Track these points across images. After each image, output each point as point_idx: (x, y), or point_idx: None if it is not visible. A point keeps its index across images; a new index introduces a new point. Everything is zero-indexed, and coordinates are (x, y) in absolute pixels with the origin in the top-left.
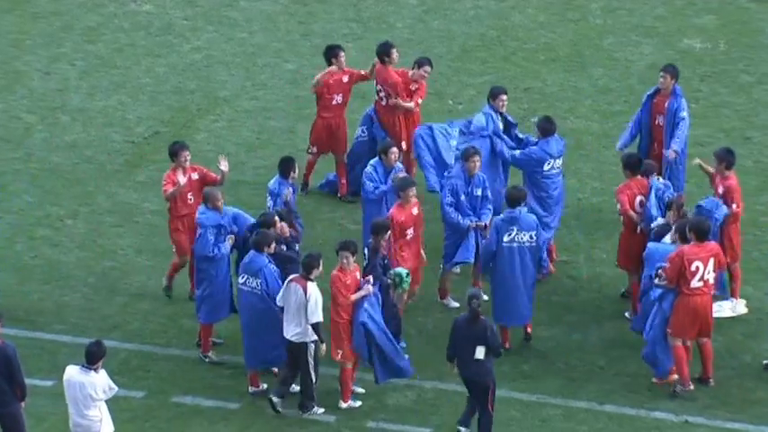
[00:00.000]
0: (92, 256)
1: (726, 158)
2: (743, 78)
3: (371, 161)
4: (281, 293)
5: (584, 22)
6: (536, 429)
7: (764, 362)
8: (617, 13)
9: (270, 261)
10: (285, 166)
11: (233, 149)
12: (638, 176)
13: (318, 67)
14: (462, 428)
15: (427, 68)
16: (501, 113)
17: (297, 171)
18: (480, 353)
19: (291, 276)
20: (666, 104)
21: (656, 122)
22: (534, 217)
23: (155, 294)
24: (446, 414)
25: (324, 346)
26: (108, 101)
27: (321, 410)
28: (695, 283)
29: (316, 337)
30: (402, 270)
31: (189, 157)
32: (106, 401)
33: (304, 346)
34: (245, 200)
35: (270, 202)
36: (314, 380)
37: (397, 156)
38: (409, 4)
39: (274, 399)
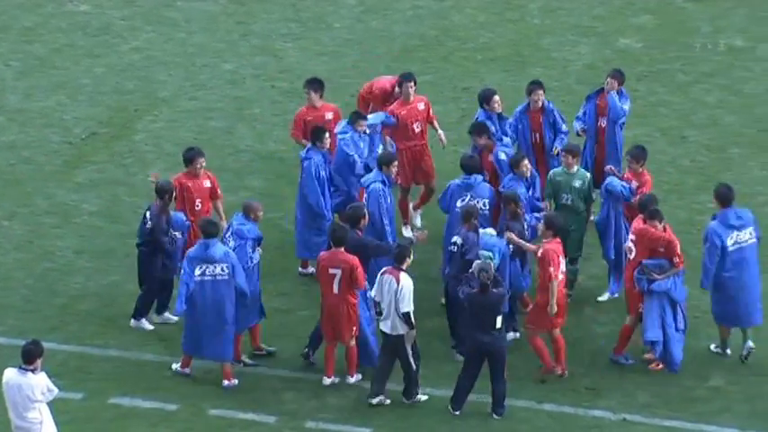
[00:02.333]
0: (30, 257)
1: (643, 156)
2: (680, 78)
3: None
4: (375, 287)
5: (523, 22)
6: (476, 429)
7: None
8: (556, 13)
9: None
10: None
11: (172, 150)
12: None
13: (257, 66)
14: (457, 412)
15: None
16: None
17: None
18: (499, 321)
19: (384, 269)
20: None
21: (599, 124)
22: (489, 186)
23: (94, 296)
24: (387, 414)
25: (414, 333)
26: (46, 101)
27: (425, 397)
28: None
29: (406, 329)
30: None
31: (204, 164)
32: (47, 403)
33: (401, 337)
34: None
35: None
36: (414, 368)
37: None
38: (348, 4)
39: (374, 401)
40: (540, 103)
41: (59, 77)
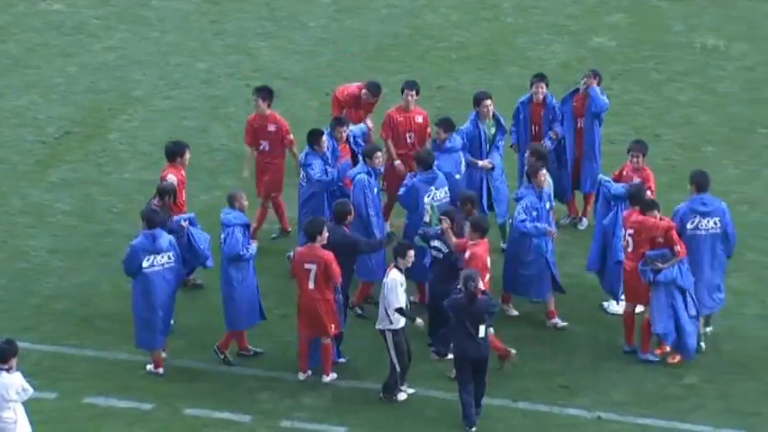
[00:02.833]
0: (4, 257)
1: (647, 150)
2: (653, 76)
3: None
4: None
5: (498, 21)
6: (453, 428)
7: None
8: (530, 12)
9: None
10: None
11: (147, 149)
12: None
13: (232, 65)
14: (473, 429)
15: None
16: (495, 117)
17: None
18: (482, 331)
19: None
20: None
21: (578, 125)
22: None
23: (69, 295)
24: (363, 413)
25: (419, 321)
26: (19, 100)
27: (404, 397)
28: None
29: (394, 326)
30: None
31: (189, 158)
32: (21, 403)
33: (384, 333)
34: None
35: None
36: (397, 368)
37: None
38: (323, 3)
39: (383, 396)
40: (542, 96)
41: (33, 77)
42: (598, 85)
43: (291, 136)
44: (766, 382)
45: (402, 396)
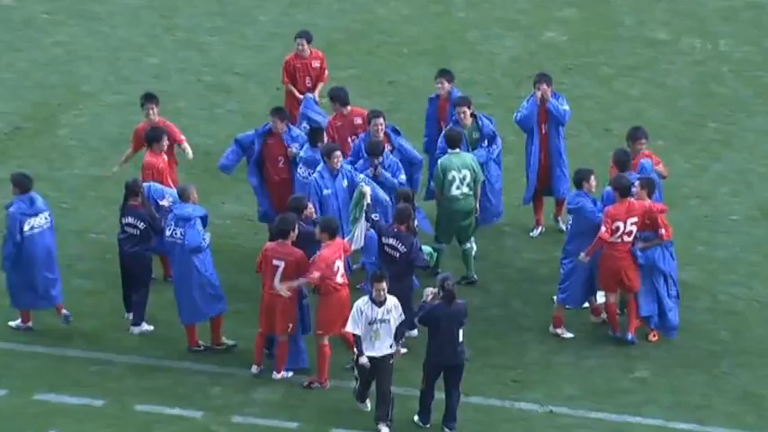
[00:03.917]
0: None
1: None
2: (604, 71)
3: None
4: None
5: (448, 15)
6: (404, 424)
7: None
8: (480, 7)
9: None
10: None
11: (96, 144)
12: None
13: (182, 60)
14: (428, 425)
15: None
16: (476, 120)
17: None
18: (461, 335)
19: None
20: (547, 108)
21: (543, 132)
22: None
23: None
24: (314, 408)
25: (364, 359)
26: None
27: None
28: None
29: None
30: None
31: (167, 144)
32: None
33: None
34: (108, 195)
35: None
36: (355, 382)
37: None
38: None
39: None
40: (445, 92)
41: None
42: (548, 86)
43: (182, 136)
44: (716, 375)
45: (384, 430)
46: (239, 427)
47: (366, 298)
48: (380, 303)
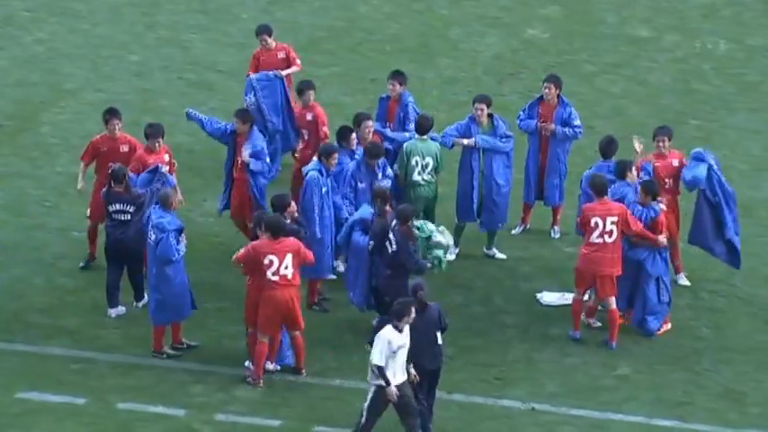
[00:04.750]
0: None
1: (671, 133)
2: (586, 68)
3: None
4: None
5: (430, 12)
6: (384, 422)
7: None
8: (462, 4)
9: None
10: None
11: (78, 142)
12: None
13: (164, 58)
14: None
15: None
16: (492, 120)
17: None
18: (440, 338)
19: None
20: (555, 114)
21: (544, 133)
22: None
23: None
24: (297, 406)
25: (393, 389)
26: None
27: None
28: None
29: (377, 381)
30: (440, 252)
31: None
32: None
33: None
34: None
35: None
36: (361, 421)
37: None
38: None
39: None
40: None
41: None
42: (557, 89)
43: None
44: (697, 372)
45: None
46: (222, 425)
47: (390, 327)
48: (401, 330)
